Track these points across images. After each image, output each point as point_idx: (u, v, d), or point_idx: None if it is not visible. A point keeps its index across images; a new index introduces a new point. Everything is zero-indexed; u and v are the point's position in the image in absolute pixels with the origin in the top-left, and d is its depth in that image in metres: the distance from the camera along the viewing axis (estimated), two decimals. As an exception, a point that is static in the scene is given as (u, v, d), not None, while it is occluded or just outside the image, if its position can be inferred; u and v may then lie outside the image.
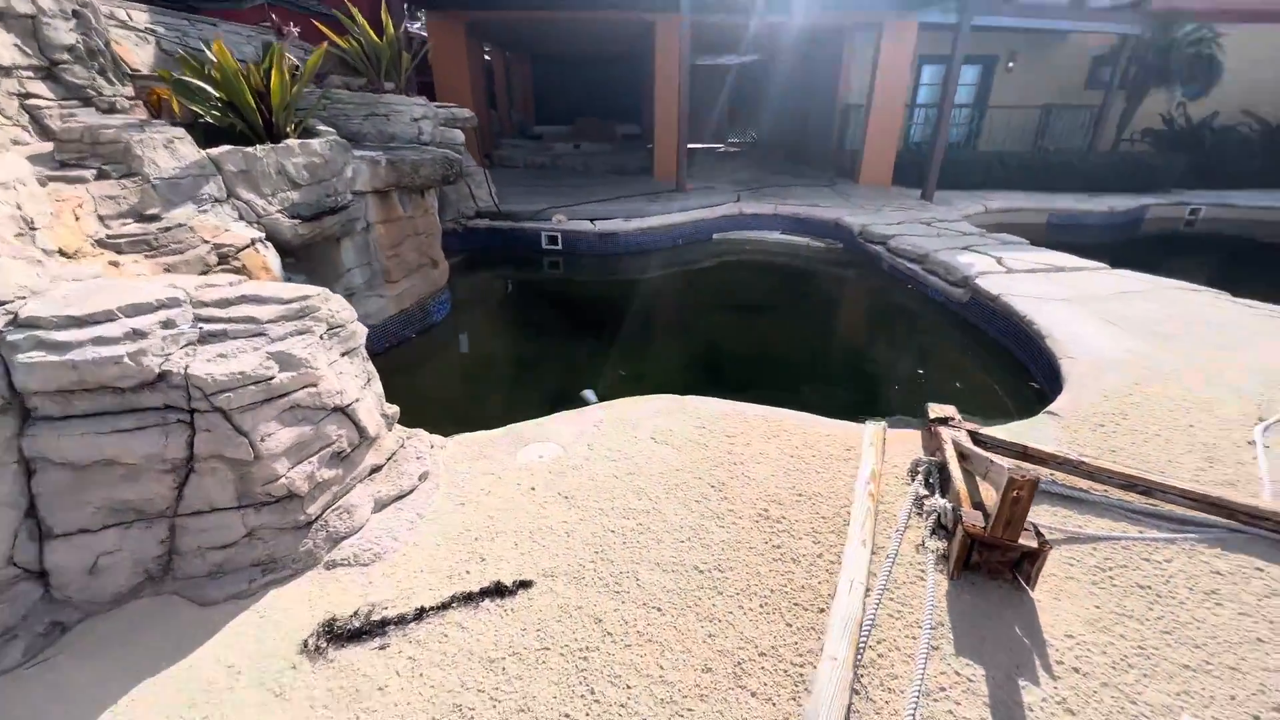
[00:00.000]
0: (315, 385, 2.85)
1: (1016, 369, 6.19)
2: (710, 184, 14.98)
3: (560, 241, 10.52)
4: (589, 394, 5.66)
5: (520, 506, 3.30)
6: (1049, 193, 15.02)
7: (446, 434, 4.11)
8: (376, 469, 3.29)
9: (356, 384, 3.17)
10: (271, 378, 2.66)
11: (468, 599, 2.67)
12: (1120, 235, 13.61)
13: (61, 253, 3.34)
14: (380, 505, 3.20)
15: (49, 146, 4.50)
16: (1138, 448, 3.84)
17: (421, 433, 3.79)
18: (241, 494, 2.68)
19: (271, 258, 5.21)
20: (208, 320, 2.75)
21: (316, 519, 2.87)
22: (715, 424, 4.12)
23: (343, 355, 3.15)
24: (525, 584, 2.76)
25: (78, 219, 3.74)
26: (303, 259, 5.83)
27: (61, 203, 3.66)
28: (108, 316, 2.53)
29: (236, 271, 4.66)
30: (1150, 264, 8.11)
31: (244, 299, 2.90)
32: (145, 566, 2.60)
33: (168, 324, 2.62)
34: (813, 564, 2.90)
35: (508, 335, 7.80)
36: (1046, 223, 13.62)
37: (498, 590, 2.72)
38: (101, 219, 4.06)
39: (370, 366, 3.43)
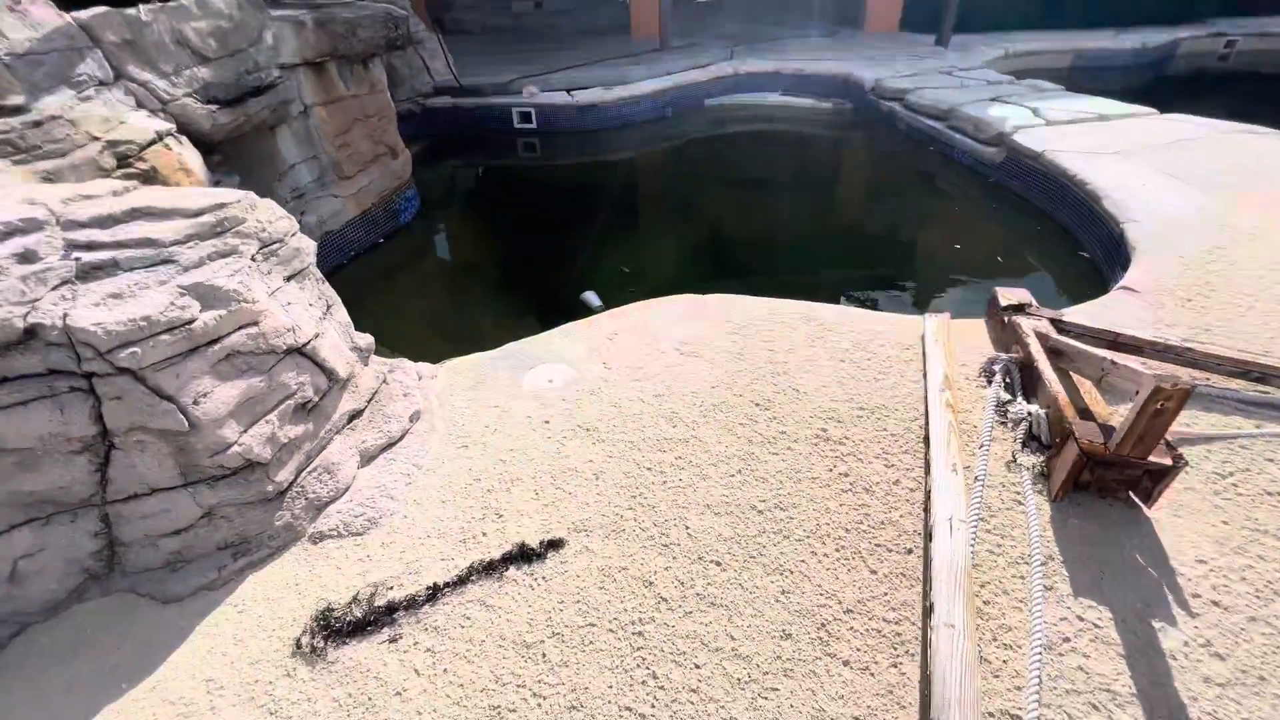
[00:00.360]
0: (256, 324, 2.19)
1: (1063, 236, 5.57)
2: (695, 40, 13.19)
3: (534, 118, 9.23)
4: (591, 296, 5.00)
5: (535, 445, 2.79)
6: (1074, 30, 13.45)
7: (434, 357, 3.51)
8: (356, 415, 2.72)
9: (312, 315, 2.50)
10: (191, 321, 1.99)
11: (489, 569, 2.22)
12: (1149, 75, 12.38)
13: (-121, 163, 2.48)
14: (367, 458, 2.67)
15: None
16: (1233, 324, 3.35)
17: (405, 363, 3.18)
18: (186, 469, 2.11)
19: (189, 156, 4.24)
20: (87, 247, 2.01)
21: (290, 486, 2.34)
22: (748, 328, 3.54)
23: (288, 280, 2.45)
24: (555, 544, 2.32)
25: (-99, 115, 2.80)
26: (232, 155, 4.83)
27: None
28: (-66, 252, 1.79)
29: (145, 177, 3.76)
30: (1183, 106, 7.22)
31: (136, 214, 2.14)
32: (83, 565, 2.10)
33: (26, 257, 1.89)
34: (889, 493, 2.47)
35: (489, 233, 6.94)
36: (1070, 65, 12.29)
37: (524, 554, 2.27)
38: (-57, 115, 3.09)
39: (328, 290, 2.74)
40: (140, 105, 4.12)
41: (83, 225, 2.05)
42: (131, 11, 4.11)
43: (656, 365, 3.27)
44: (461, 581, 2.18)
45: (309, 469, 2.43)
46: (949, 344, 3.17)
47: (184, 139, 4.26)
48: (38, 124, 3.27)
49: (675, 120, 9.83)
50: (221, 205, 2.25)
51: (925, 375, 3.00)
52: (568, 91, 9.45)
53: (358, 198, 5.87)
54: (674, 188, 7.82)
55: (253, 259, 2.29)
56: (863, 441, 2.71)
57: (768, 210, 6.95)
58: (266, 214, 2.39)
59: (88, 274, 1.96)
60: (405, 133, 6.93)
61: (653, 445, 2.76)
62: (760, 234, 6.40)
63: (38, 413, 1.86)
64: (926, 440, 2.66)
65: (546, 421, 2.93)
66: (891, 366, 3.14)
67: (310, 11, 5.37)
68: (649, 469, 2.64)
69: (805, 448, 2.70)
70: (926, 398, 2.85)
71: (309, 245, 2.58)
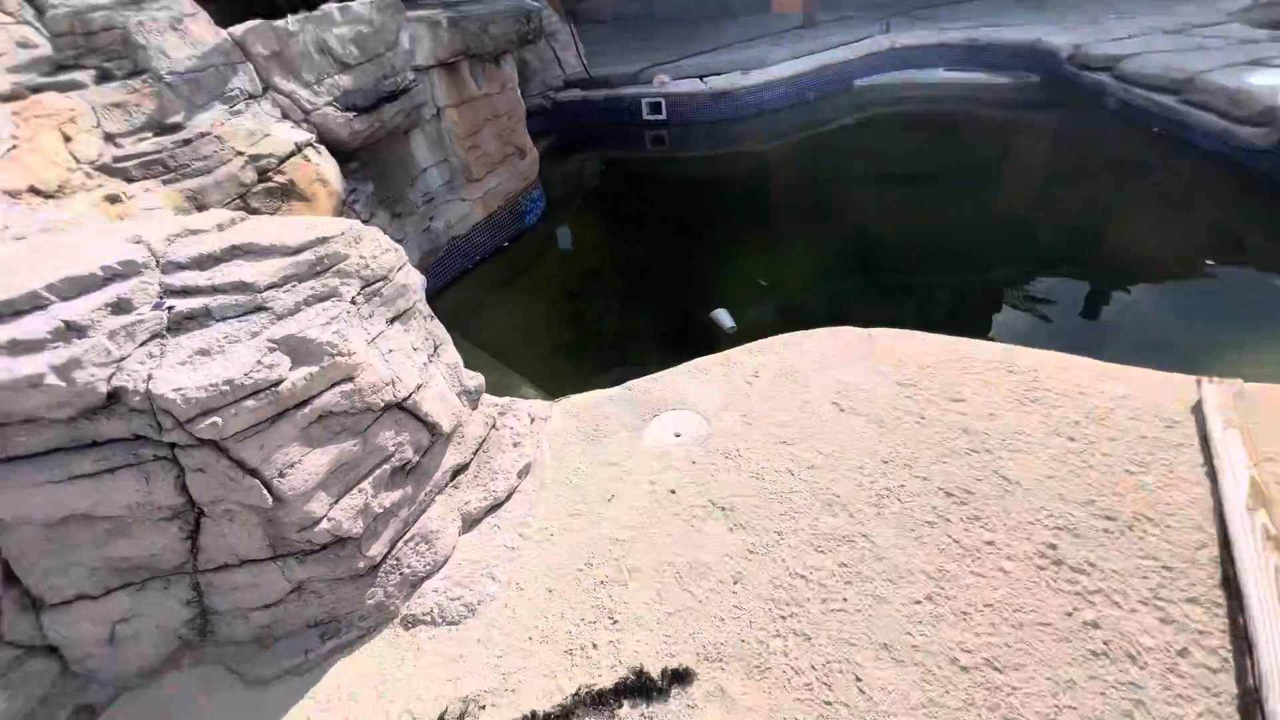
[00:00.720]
0: (351, 379, 1.89)
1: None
2: (844, 14, 11.89)
3: (664, 109, 8.72)
4: (722, 315, 4.42)
5: (658, 523, 2.31)
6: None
7: (550, 374, 3.16)
8: (460, 470, 2.40)
9: (416, 362, 2.19)
10: (278, 382, 1.72)
11: (598, 701, 1.78)
12: None
13: (36, 190, 2.52)
14: (470, 522, 2.34)
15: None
16: None
17: (518, 404, 2.83)
18: (275, 540, 1.88)
19: (327, 166, 4.25)
20: (183, 292, 1.81)
21: (384, 559, 2.06)
22: (928, 379, 2.78)
23: (391, 322, 2.15)
24: (681, 676, 1.82)
25: (69, 139, 2.89)
26: (367, 162, 4.84)
27: (41, 119, 2.81)
28: (33, 302, 1.65)
29: (283, 190, 3.76)
30: None
31: (235, 251, 1.92)
32: (177, 632, 1.95)
33: (120, 307, 1.71)
34: (1172, 669, 1.67)
35: (613, 237, 6.57)
36: (1356, 13, 9.42)
37: (641, 687, 1.79)
38: (110, 137, 3.21)
39: (436, 328, 2.43)
40: (285, 116, 4.18)
41: (181, 267, 1.86)
42: (280, 23, 4.15)
43: (808, 423, 2.65)
44: (565, 715, 1.76)
45: (405, 538, 2.14)
46: (1249, 430, 2.21)
47: (323, 149, 4.27)
48: (187, 142, 3.32)
49: (819, 105, 8.85)
50: (323, 240, 1.97)
51: (1214, 477, 2.09)
52: (700, 79, 8.83)
53: (485, 201, 5.75)
54: (817, 184, 6.96)
55: (353, 301, 2.00)
56: (1117, 573, 1.91)
57: (932, 213, 5.89)
58: (371, 248, 2.10)
59: (179, 325, 1.75)
60: (534, 129, 6.75)
61: (806, 541, 2.16)
62: (924, 243, 5.41)
63: (125, 481, 1.68)
64: (1228, 585, 1.81)
65: (672, 491, 2.43)
66: (1152, 454, 2.26)
67: (444, 10, 5.25)
68: (803, 576, 2.05)
69: (1026, 571, 1.96)
70: (1221, 514, 1.97)
71: (416, 281, 2.27)
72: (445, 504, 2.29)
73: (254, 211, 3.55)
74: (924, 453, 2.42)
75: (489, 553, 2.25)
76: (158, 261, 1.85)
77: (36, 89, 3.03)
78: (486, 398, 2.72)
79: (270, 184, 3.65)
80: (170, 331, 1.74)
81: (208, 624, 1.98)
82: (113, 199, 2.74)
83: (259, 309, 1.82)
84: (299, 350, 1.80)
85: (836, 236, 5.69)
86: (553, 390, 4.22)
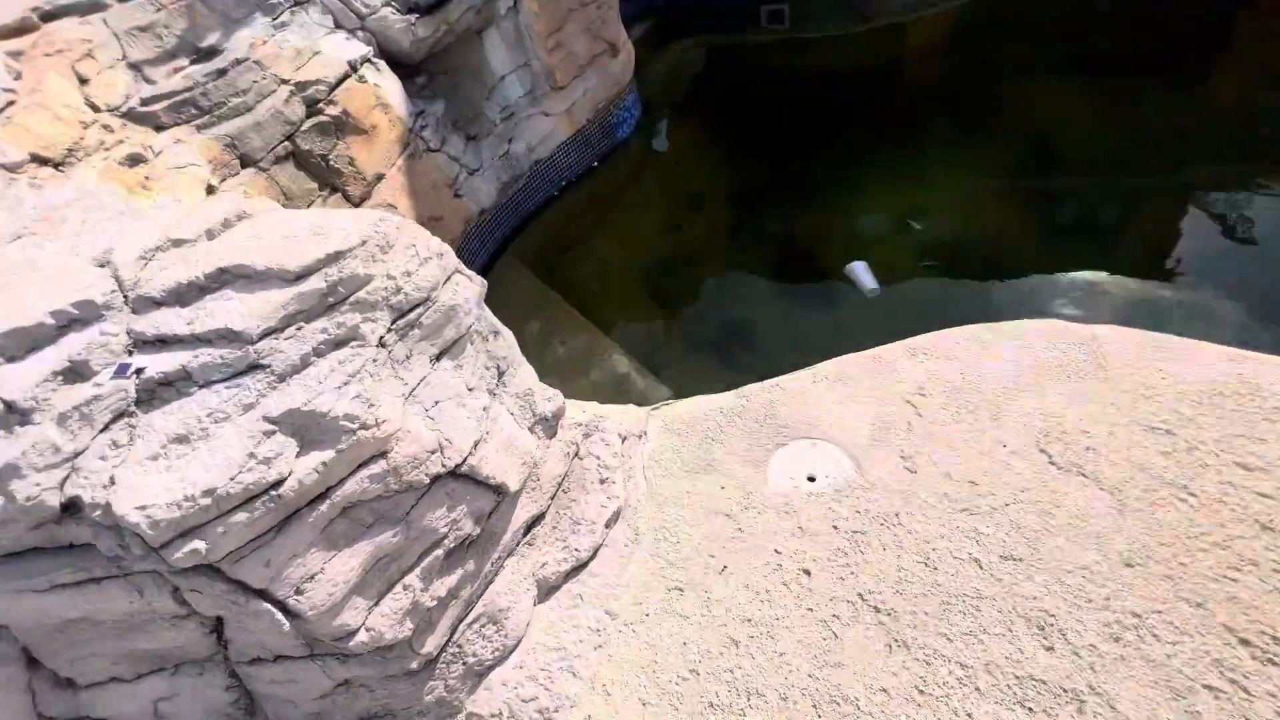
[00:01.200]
0: (384, 455, 1.40)
1: None
2: None
3: (786, -24, 7.05)
4: (860, 272, 3.50)
5: (786, 617, 1.75)
6: None
7: (642, 334, 2.66)
8: (536, 521, 1.94)
9: (473, 408, 1.65)
10: (279, 482, 1.24)
11: None
12: None
13: (40, 159, 2.09)
14: (546, 589, 1.90)
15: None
16: None
17: (606, 421, 2.26)
18: (311, 641, 1.51)
19: (388, 86, 3.59)
20: (157, 342, 1.34)
21: (444, 648, 1.67)
22: (1195, 424, 1.89)
23: (436, 360, 1.60)
24: None
25: (85, 81, 2.43)
26: (435, 74, 4.11)
27: (50, 58, 2.34)
28: (-31, 370, 1.23)
29: (336, 124, 3.19)
30: None
31: (224, 276, 1.40)
32: (222, 711, 1.71)
33: (75, 372, 1.27)
34: None
35: (720, 152, 5.50)
36: None
37: None
38: (137, 68, 2.72)
39: (501, 346, 1.85)
40: (338, 25, 3.51)
41: (156, 304, 1.37)
42: (322, -101, 3.36)
43: (1002, 480, 1.90)
44: None
45: (469, 620, 1.73)
46: None
47: (382, 65, 3.60)
48: (222, 73, 2.78)
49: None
50: (336, 256, 1.40)
51: None
52: (836, -71, 6.96)
53: (571, 114, 4.90)
54: (984, 71, 5.37)
55: (381, 343, 1.45)
56: None
57: (1149, 113, 4.32)
58: (404, 260, 1.50)
59: (152, 394, 1.30)
60: (627, 13, 5.61)
61: (1006, 686, 1.52)
62: (1140, 159, 3.99)
63: (113, 592, 1.34)
64: None
65: (806, 572, 1.83)
66: None
67: None
68: (1000, 749, 1.44)
69: (1398, 816, 1.22)
70: None
71: (469, 295, 1.67)
72: (517, 568, 1.85)
73: (304, 154, 3.05)
74: (1196, 558, 1.63)
75: (570, 637, 1.81)
76: (126, 297, 1.37)
77: (50, 15, 2.55)
78: (570, 410, 2.18)
79: (321, 118, 3.09)
80: (140, 405, 1.28)
81: (254, 704, 1.72)
82: (134, 159, 2.29)
83: (253, 367, 1.31)
84: (308, 428, 1.30)
85: (1012, 149, 4.35)
86: (648, 358, 3.64)
